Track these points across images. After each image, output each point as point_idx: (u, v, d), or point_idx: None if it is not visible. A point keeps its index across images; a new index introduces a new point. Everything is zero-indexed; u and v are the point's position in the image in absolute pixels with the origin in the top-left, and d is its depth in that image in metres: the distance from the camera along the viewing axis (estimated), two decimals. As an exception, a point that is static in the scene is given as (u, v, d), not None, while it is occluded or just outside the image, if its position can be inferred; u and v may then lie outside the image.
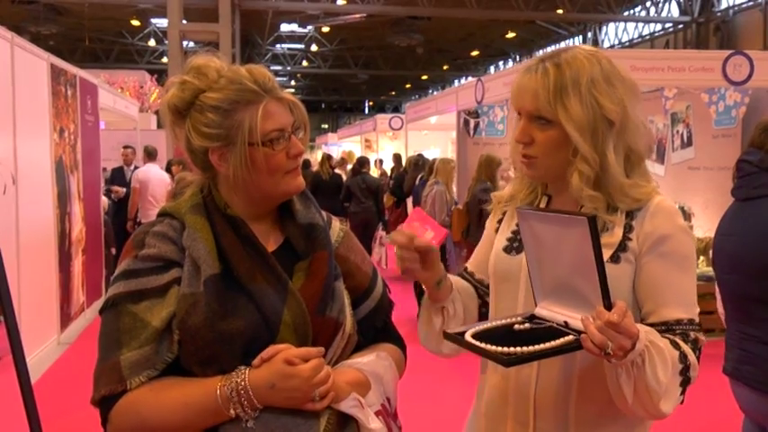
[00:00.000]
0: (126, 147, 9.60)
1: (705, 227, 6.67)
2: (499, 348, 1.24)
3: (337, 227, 1.47)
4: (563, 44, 28.59)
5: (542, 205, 1.54)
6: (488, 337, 1.32)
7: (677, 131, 7.71)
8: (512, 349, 1.23)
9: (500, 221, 1.63)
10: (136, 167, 9.19)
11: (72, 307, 6.39)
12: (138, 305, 1.24)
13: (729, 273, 2.33)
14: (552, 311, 1.37)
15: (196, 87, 1.30)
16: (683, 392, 1.32)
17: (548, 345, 1.24)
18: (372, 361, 1.35)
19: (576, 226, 1.23)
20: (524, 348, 1.23)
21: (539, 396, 1.45)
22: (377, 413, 1.30)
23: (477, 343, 1.29)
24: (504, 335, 1.33)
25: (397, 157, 13.04)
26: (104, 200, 8.33)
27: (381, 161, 15.94)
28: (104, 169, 9.86)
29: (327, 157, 10.65)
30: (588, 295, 1.26)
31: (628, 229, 1.42)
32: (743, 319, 2.30)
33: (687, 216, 7.40)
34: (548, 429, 1.45)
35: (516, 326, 1.36)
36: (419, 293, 1.66)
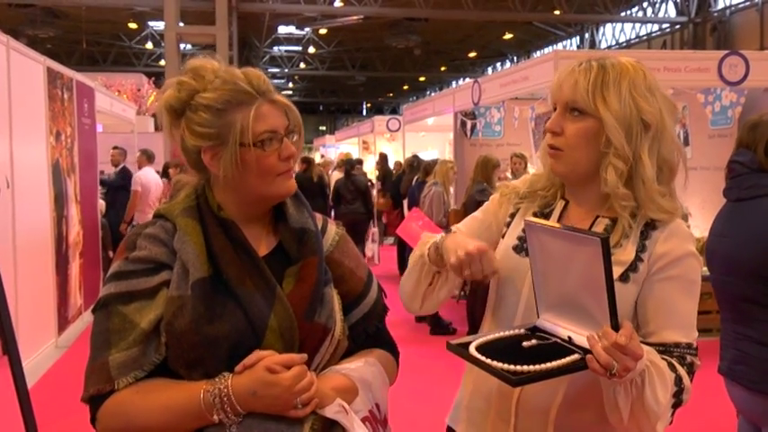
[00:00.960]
0: (115, 148, 9.57)
1: (702, 227, 6.67)
2: (506, 366, 1.24)
3: (333, 231, 1.46)
4: (560, 45, 28.61)
5: (558, 210, 1.53)
6: (492, 350, 1.31)
7: (674, 132, 7.73)
8: (518, 367, 1.23)
9: (513, 215, 1.60)
10: (124, 168, 9.16)
11: (69, 310, 6.39)
12: (127, 306, 1.25)
13: (724, 274, 2.33)
14: (555, 325, 1.37)
15: (193, 88, 1.31)
16: (672, 414, 1.33)
17: (554, 364, 1.24)
18: (360, 367, 1.35)
19: (587, 245, 1.23)
20: (531, 367, 1.23)
21: (522, 401, 1.45)
22: (364, 419, 1.29)
23: (483, 358, 1.28)
24: (507, 348, 1.33)
25: (383, 157, 13.19)
26: (101, 203, 8.32)
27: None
28: (102, 172, 9.86)
29: (305, 159, 10.66)
30: (594, 313, 1.26)
31: (641, 248, 1.42)
32: (737, 319, 2.30)
33: (685, 216, 7.40)
34: (528, 428, 1.45)
35: (524, 342, 1.35)
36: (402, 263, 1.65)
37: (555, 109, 1.47)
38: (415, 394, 4.68)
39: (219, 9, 15.75)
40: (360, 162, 13.54)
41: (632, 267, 1.41)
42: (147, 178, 8.54)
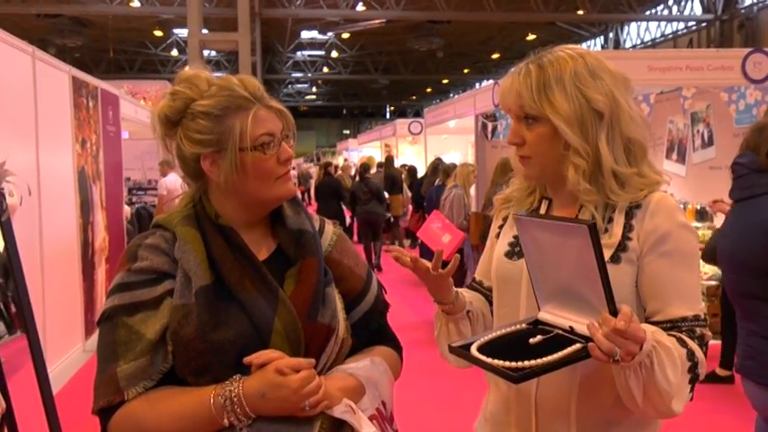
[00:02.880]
0: None
1: (727, 227, 6.58)
2: (506, 363, 1.23)
3: (330, 230, 1.48)
4: (584, 46, 28.33)
5: (543, 209, 1.54)
6: (494, 348, 1.30)
7: (698, 131, 7.63)
8: (519, 364, 1.22)
9: (501, 226, 1.63)
10: None
11: (96, 315, 6.49)
12: (132, 317, 1.26)
13: (729, 272, 2.39)
14: (556, 316, 1.36)
15: (187, 97, 1.33)
16: (691, 389, 1.31)
17: (556, 356, 1.23)
18: (367, 366, 1.37)
19: (576, 234, 1.22)
20: (533, 362, 1.22)
21: (540, 401, 1.44)
22: (371, 417, 1.31)
23: (484, 358, 1.27)
24: (509, 345, 1.32)
25: (387, 160, 13.89)
26: (127, 209, 8.47)
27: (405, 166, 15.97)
28: (128, 179, 10.04)
29: (326, 164, 11.96)
30: (592, 300, 1.25)
31: (627, 228, 1.41)
32: (746, 316, 2.33)
33: (709, 217, 7.30)
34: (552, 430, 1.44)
35: (531, 339, 1.33)
36: None
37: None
38: (438, 399, 4.67)
39: (242, 15, 15.87)
40: (381, 165, 13.73)
41: (621, 247, 1.40)
42: (174, 184, 8.84)
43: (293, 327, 1.28)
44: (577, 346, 1.25)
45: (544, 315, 1.39)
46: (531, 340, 1.31)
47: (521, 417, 1.47)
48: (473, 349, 1.32)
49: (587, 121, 1.40)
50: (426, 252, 8.19)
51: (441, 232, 6.76)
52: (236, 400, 1.20)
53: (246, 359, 1.22)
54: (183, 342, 1.24)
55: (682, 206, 7.60)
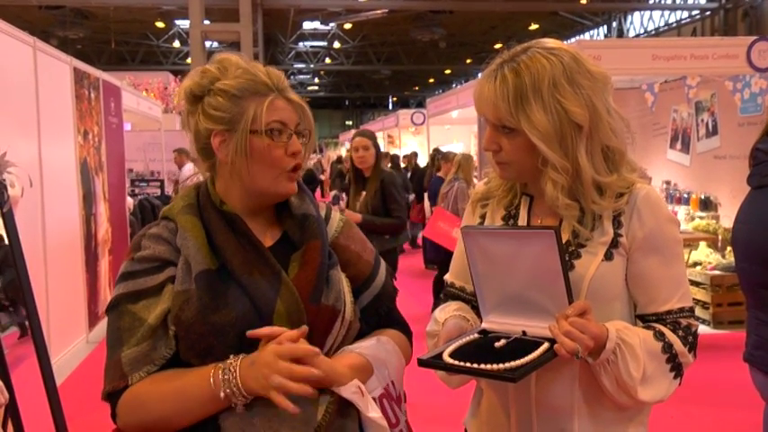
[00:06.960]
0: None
1: (731, 216, 6.54)
2: (497, 366, 1.26)
3: (337, 217, 1.49)
4: (587, 35, 28.21)
5: (524, 207, 1.52)
6: (464, 356, 1.32)
7: (702, 120, 7.60)
8: (508, 365, 1.26)
9: (482, 218, 1.59)
10: None
11: (99, 306, 6.51)
12: (136, 305, 1.29)
13: (743, 261, 2.32)
14: (503, 324, 1.41)
15: (215, 76, 1.35)
16: (677, 376, 1.39)
17: (534, 355, 1.28)
18: (374, 345, 1.37)
19: (538, 239, 1.30)
20: (519, 362, 1.27)
21: (539, 400, 1.43)
22: (381, 396, 1.32)
23: (476, 366, 1.28)
24: (476, 352, 1.34)
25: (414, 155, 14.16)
26: (130, 201, 8.46)
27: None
28: (130, 170, 10.05)
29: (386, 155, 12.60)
30: (546, 304, 1.34)
31: (617, 225, 1.42)
32: (757, 305, 2.29)
33: (714, 206, 7.28)
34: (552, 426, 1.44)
35: (496, 343, 1.36)
36: (437, 291, 1.67)
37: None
38: (434, 388, 4.67)
39: (243, 6, 15.81)
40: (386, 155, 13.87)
41: (613, 244, 1.41)
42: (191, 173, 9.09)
43: (296, 308, 1.29)
44: (546, 345, 1.31)
45: (489, 325, 1.44)
46: (497, 344, 1.36)
47: (521, 419, 1.46)
48: (448, 359, 1.32)
49: (566, 134, 1.36)
50: (432, 247, 8.16)
51: (449, 228, 6.71)
52: (233, 370, 1.20)
53: (249, 333, 1.22)
54: (184, 326, 1.26)
55: (686, 195, 7.59)
